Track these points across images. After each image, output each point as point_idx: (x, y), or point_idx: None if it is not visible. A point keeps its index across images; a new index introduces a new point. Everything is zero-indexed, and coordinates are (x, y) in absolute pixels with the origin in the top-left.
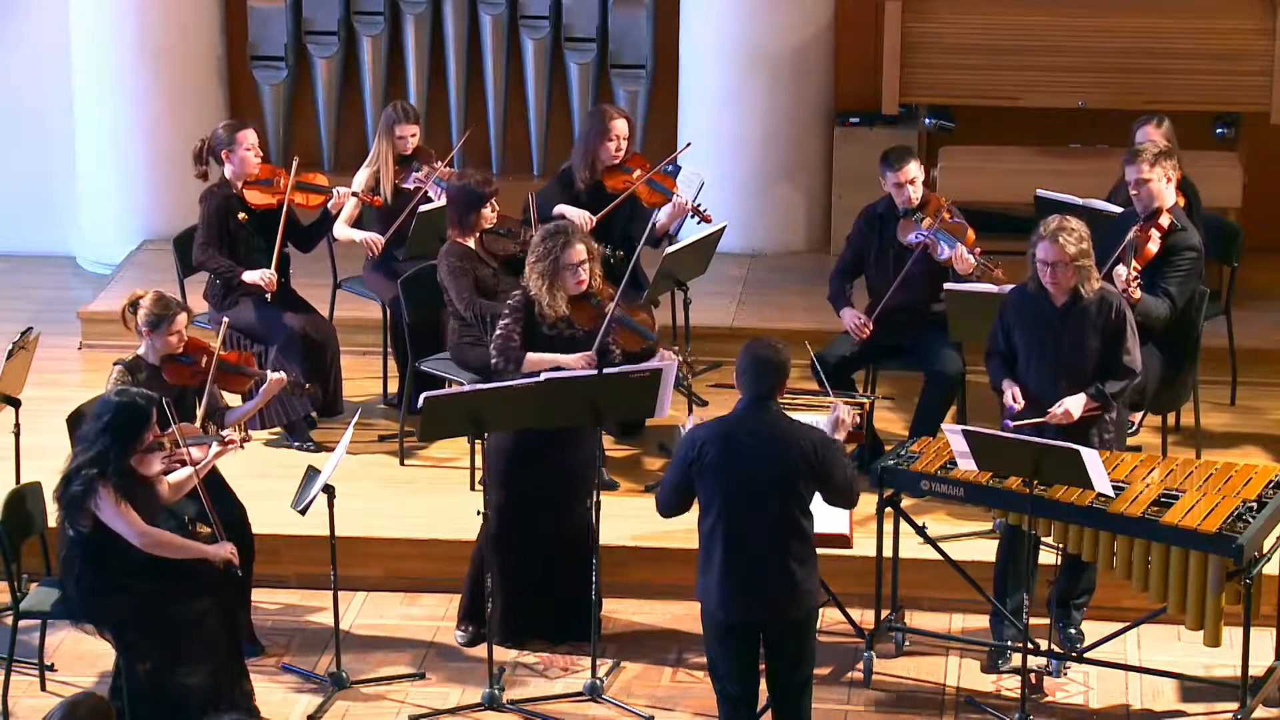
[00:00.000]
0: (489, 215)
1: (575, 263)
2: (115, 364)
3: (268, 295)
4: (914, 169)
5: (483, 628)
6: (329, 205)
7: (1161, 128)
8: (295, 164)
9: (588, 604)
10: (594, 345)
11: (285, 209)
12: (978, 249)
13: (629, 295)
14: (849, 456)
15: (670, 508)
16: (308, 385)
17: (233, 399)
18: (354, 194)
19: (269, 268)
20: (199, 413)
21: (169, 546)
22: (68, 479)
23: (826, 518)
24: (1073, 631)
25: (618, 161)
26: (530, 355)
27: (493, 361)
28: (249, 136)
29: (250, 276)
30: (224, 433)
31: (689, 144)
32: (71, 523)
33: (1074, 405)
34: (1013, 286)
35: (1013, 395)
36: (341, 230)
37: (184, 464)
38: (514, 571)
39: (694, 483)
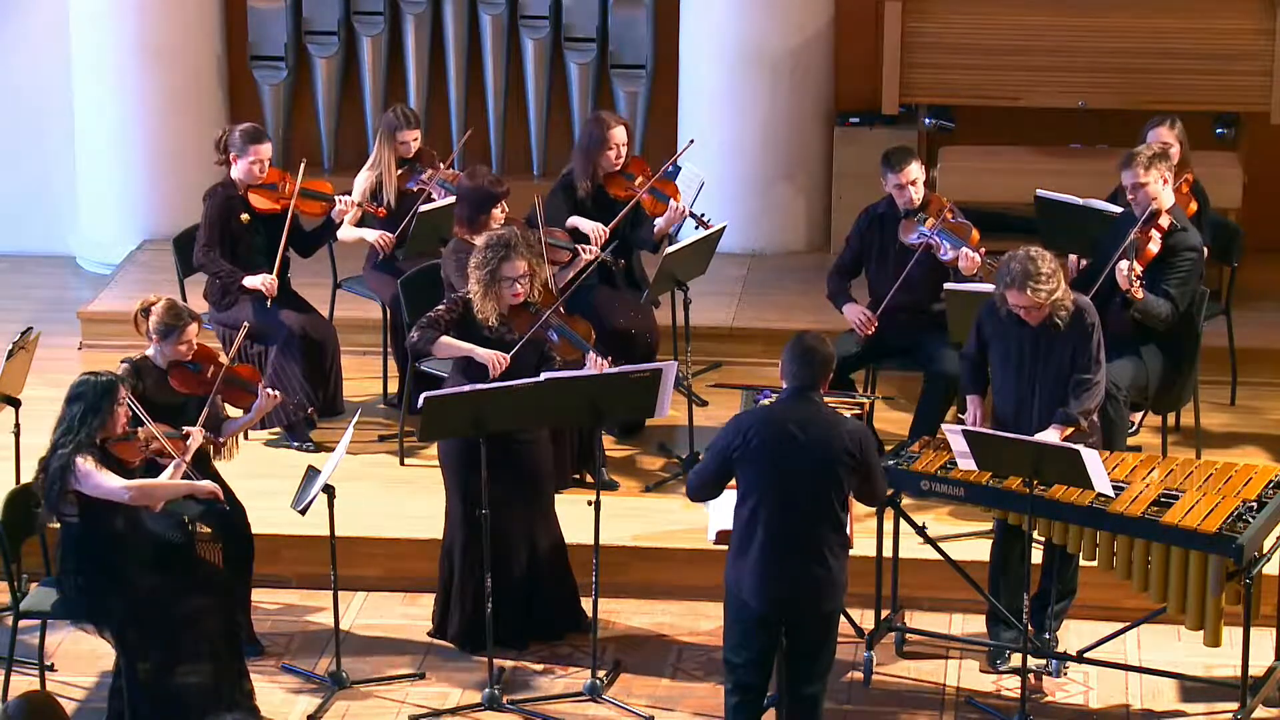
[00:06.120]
0: (498, 216)
1: (513, 276)
2: (122, 362)
3: (268, 301)
4: (915, 169)
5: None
6: (333, 215)
7: (1175, 129)
8: (302, 167)
9: (558, 607)
10: (513, 351)
11: (290, 215)
12: (982, 249)
13: (626, 297)
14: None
15: (700, 493)
16: (310, 409)
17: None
18: (358, 204)
19: (270, 271)
20: (199, 421)
21: (157, 491)
22: (45, 463)
23: None
24: (1047, 637)
25: (618, 169)
26: (444, 339)
27: (412, 335)
28: (262, 151)
29: (251, 282)
30: (184, 428)
31: (692, 141)
32: (55, 510)
33: (1050, 436)
34: (987, 299)
35: (973, 416)
36: (349, 231)
37: (161, 455)
38: (479, 578)
39: (733, 469)
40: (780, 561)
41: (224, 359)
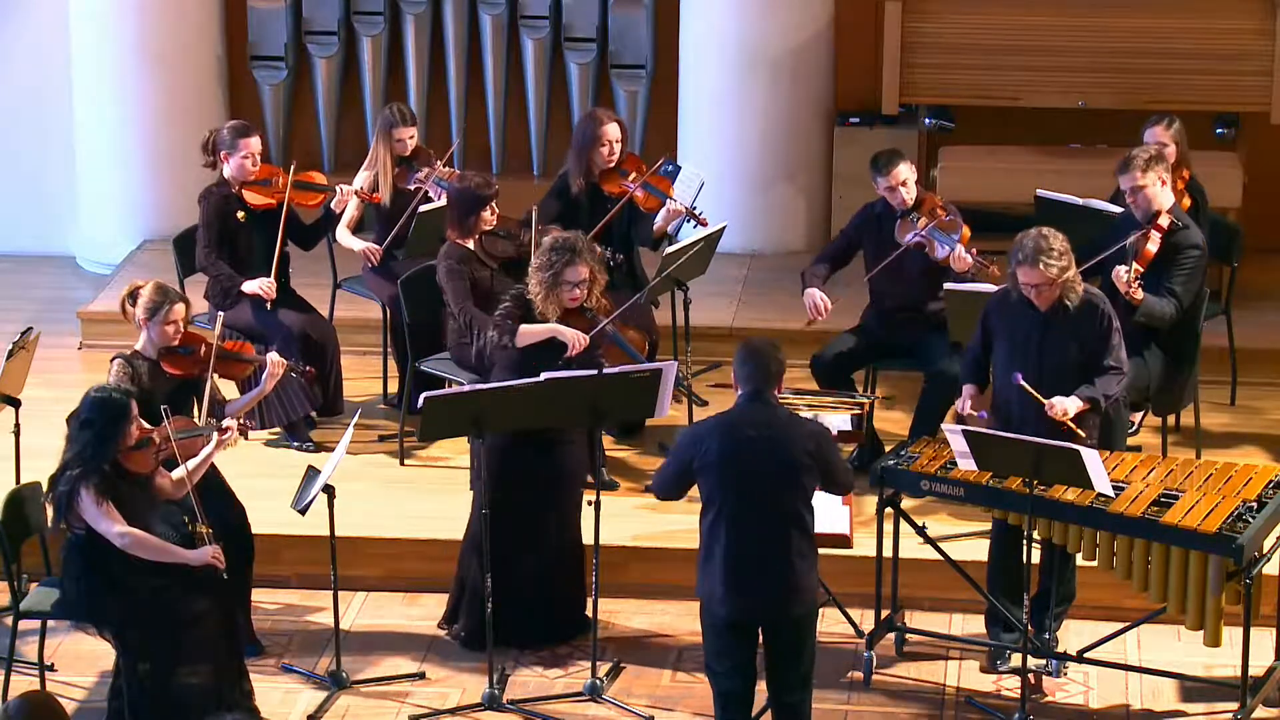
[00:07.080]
0: (488, 218)
1: (575, 280)
2: (114, 359)
3: (267, 303)
4: (904, 171)
5: (461, 628)
6: (332, 204)
7: (1171, 129)
8: (294, 165)
9: (569, 607)
10: (590, 333)
11: (285, 209)
12: (974, 247)
13: (625, 297)
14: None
15: (667, 495)
16: (308, 368)
17: (230, 390)
18: (355, 192)
19: (268, 268)
20: (202, 406)
21: (150, 549)
22: (54, 480)
23: (826, 517)
24: (1046, 637)
25: (612, 166)
26: (524, 328)
27: (490, 334)
28: (251, 144)
29: (249, 287)
30: (223, 422)
31: (668, 155)
32: (65, 524)
33: (1070, 404)
34: (995, 291)
35: (964, 405)
36: (343, 237)
37: (178, 457)
38: (497, 574)
39: (694, 477)
40: (745, 571)
41: (212, 339)
